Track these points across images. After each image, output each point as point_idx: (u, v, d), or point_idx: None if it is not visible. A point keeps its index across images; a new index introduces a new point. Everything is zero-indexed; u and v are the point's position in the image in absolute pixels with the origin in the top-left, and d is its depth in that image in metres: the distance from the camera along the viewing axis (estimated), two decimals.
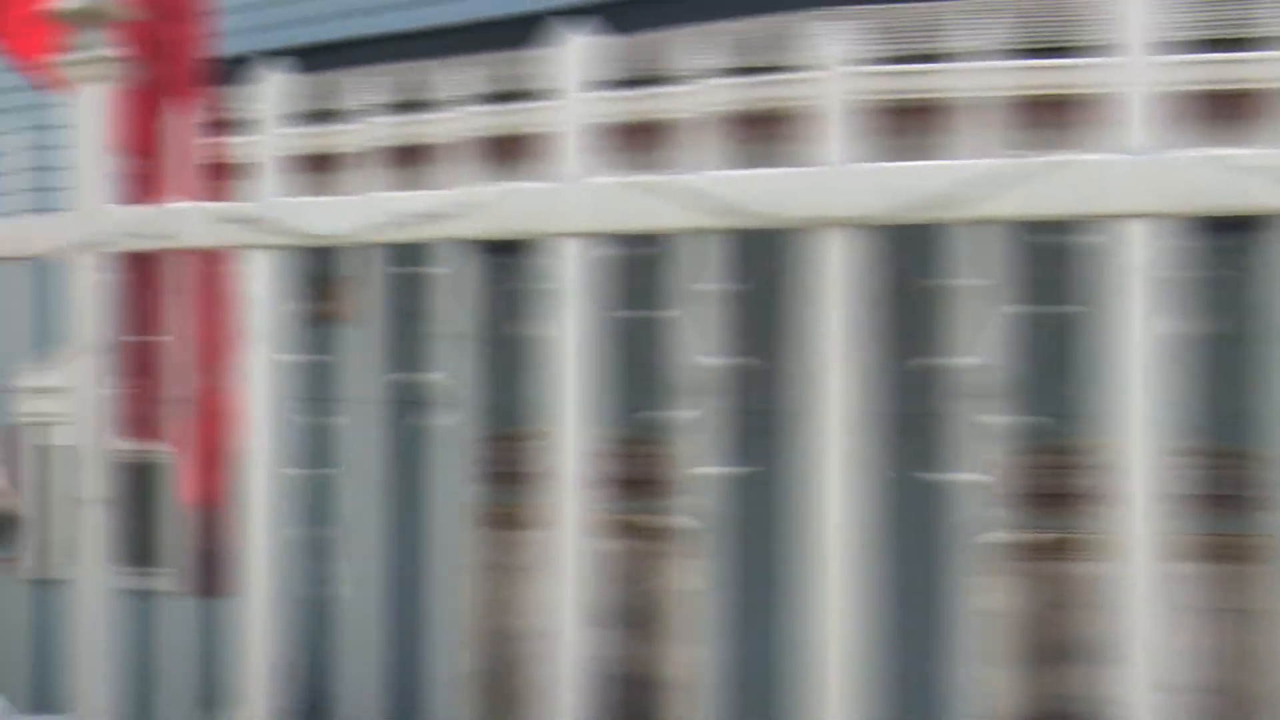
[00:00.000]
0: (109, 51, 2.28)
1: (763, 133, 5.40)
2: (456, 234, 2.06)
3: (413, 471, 7.22)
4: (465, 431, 2.17)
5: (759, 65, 5.31)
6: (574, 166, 2.00)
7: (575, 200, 1.95)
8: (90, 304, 2.30)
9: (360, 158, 2.23)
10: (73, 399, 2.31)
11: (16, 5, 3.09)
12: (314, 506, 2.29)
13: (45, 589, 7.32)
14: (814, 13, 5.67)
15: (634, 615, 6.82)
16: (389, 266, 2.15)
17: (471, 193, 2.05)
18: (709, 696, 2.02)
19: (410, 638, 5.74)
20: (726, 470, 1.90)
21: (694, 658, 2.09)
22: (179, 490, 2.64)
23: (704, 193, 1.84)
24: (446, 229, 2.03)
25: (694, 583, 2.11)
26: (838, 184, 1.76)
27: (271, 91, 2.21)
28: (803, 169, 1.83)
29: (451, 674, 2.16)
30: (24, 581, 2.39)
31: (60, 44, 2.32)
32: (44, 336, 2.51)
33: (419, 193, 2.06)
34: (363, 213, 2.08)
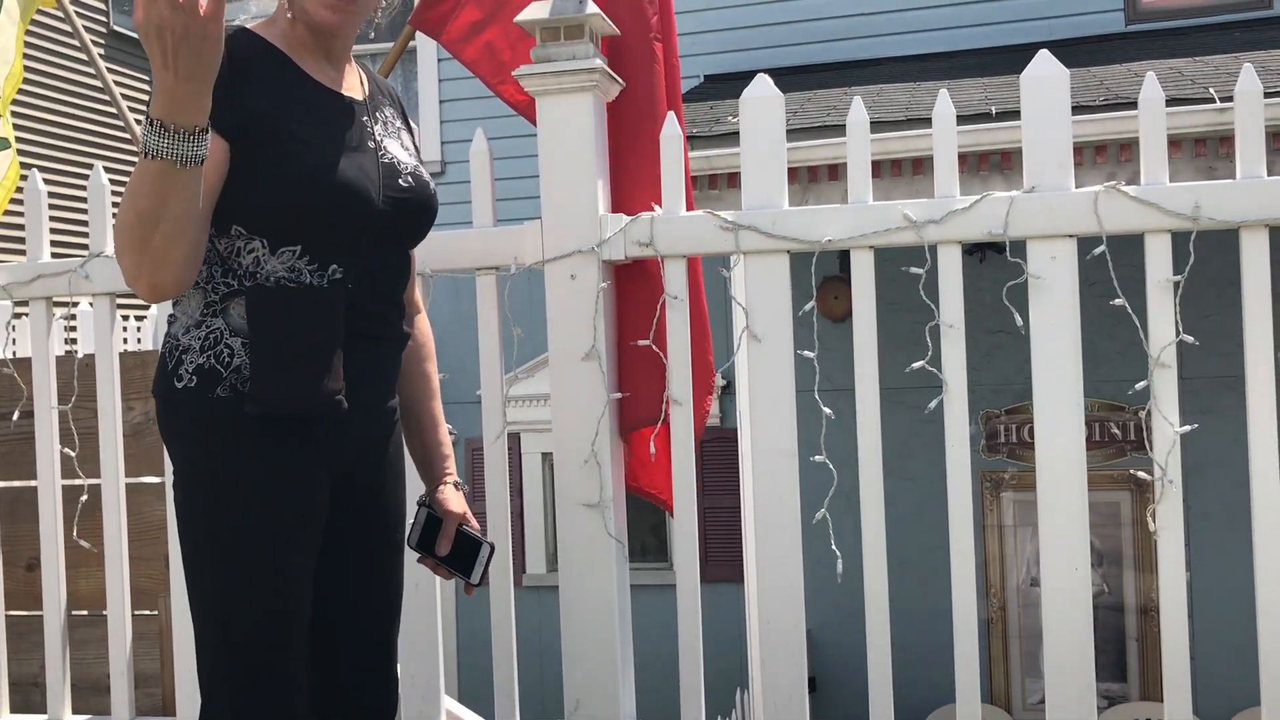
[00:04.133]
0: (591, 63, 2.30)
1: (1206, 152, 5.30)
2: (938, 238, 2.23)
3: (913, 450, 7.34)
4: (962, 410, 2.17)
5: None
6: (1042, 178, 2.09)
7: (1037, 207, 2.17)
8: (578, 311, 2.34)
9: (843, 169, 2.29)
10: (559, 405, 2.35)
11: (462, 13, 3.15)
12: (814, 490, 2.35)
13: (528, 596, 8.02)
14: None
15: (1118, 555, 7.44)
16: (881, 266, 2.21)
17: (951, 201, 2.22)
18: (1184, 620, 2.15)
19: (920, 600, 5.88)
20: (1187, 427, 2.13)
21: (1171, 588, 2.15)
22: (647, 485, 2.63)
23: (1155, 200, 2.12)
24: (930, 234, 2.13)
25: (1168, 522, 2.16)
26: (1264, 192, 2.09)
27: (765, 107, 2.28)
28: (1236, 180, 2.12)
29: (968, 623, 2.23)
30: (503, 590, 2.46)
31: (531, 54, 2.33)
32: (508, 345, 2.51)
33: (906, 201, 2.18)
34: (859, 219, 2.18)
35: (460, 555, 1.95)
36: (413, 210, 1.79)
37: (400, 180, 1.77)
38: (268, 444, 1.64)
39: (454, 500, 1.96)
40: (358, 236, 1.70)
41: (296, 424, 1.65)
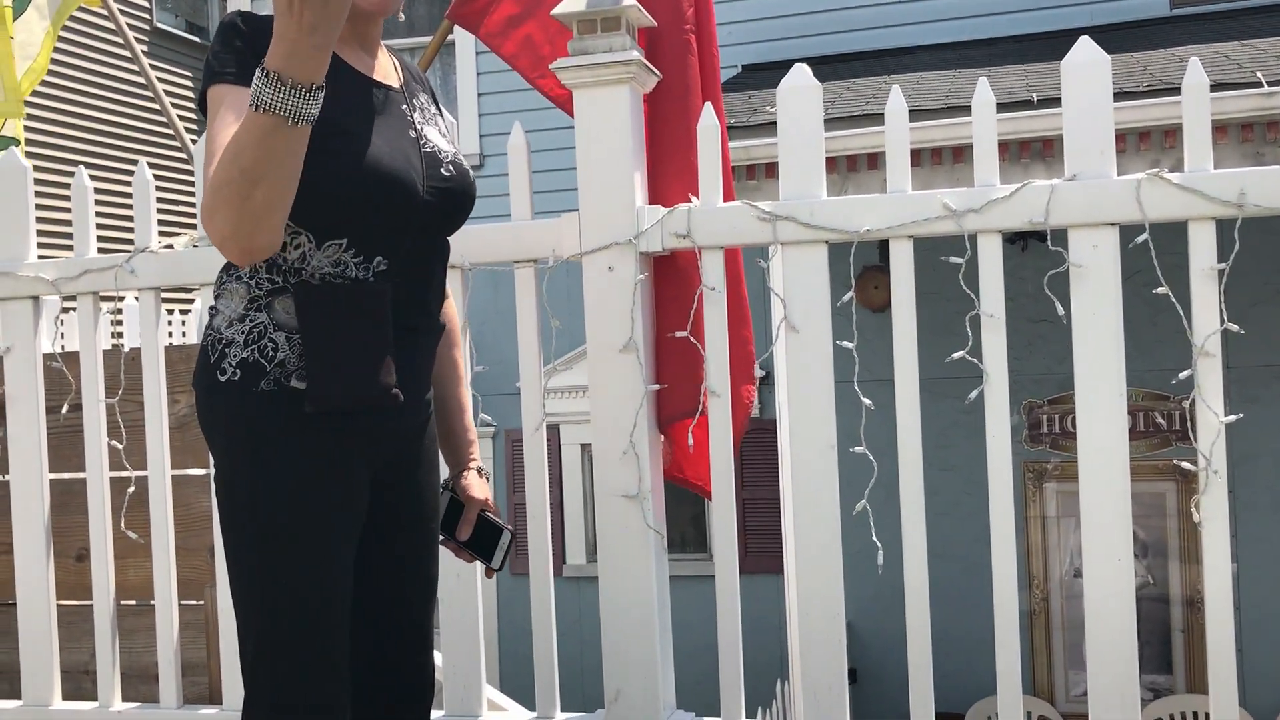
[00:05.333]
0: (628, 55, 2.29)
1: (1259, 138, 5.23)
2: (978, 227, 2.22)
3: (954, 440, 7.33)
4: (1003, 400, 2.16)
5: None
6: (1083, 166, 2.08)
7: (1078, 195, 2.14)
8: (616, 303, 2.34)
9: (882, 158, 2.27)
10: (597, 397, 2.35)
11: (499, 7, 3.15)
12: (854, 481, 2.34)
13: (567, 586, 8.05)
14: None
15: (1163, 546, 7.45)
16: (920, 255, 2.19)
17: (991, 190, 2.21)
18: (1230, 611, 2.12)
19: (961, 591, 5.89)
20: (1232, 417, 2.11)
21: (1216, 579, 2.12)
22: (692, 475, 2.65)
23: (1199, 187, 2.09)
24: (970, 223, 2.13)
25: (1213, 513, 2.12)
26: None
27: (803, 97, 2.27)
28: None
29: (1009, 614, 2.21)
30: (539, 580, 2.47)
31: (568, 46, 2.32)
32: (546, 337, 2.53)
33: (945, 190, 2.18)
34: (898, 208, 2.17)
35: (481, 540, 1.97)
36: (455, 199, 1.78)
37: (443, 169, 1.75)
38: (310, 437, 1.65)
39: (477, 486, 1.97)
40: (403, 228, 1.70)
41: (339, 417, 1.66)
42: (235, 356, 1.66)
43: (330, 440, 1.66)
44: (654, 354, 2.42)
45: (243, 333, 1.67)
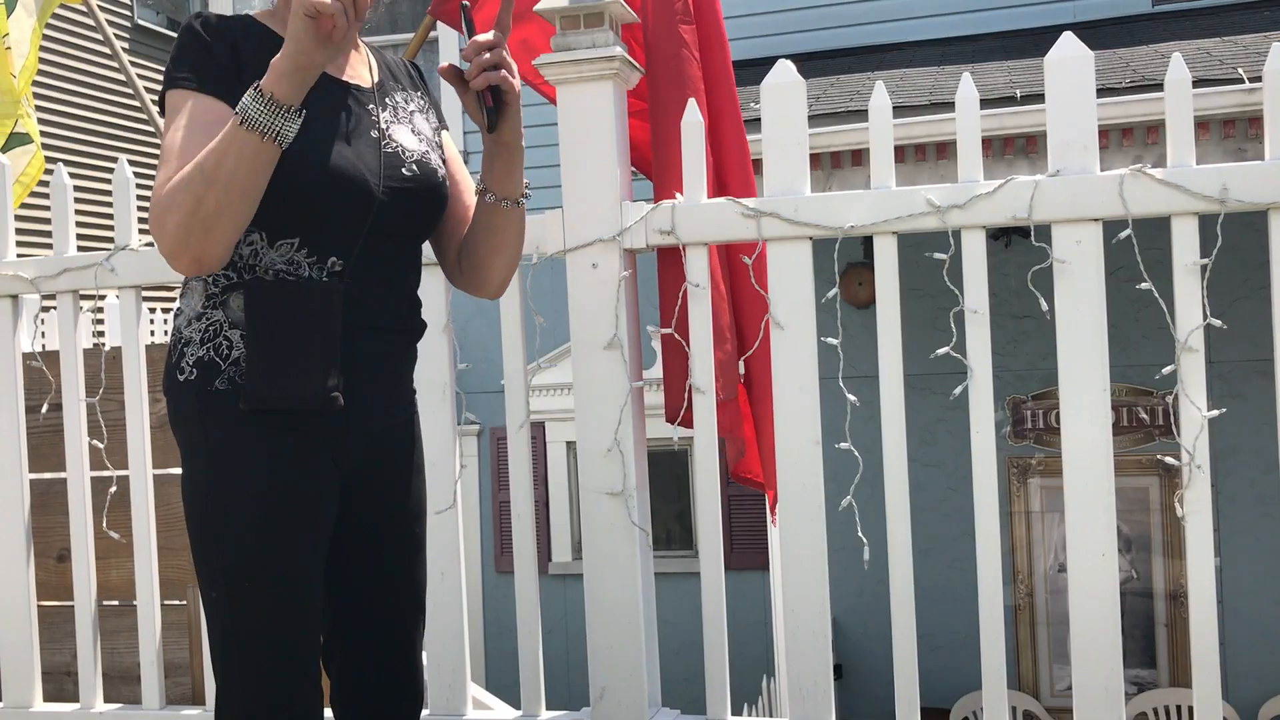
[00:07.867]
0: (611, 51, 2.29)
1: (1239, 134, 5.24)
2: (962, 222, 2.21)
3: (939, 436, 7.33)
4: (987, 396, 2.16)
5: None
6: (1066, 162, 2.08)
7: (1061, 191, 2.15)
8: (600, 300, 2.33)
9: (867, 154, 2.27)
10: (582, 394, 2.34)
11: (486, 5, 3.14)
12: (839, 477, 2.34)
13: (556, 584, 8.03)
14: None
15: (1146, 540, 7.41)
16: (904, 251, 2.20)
17: (975, 186, 2.21)
18: (1213, 606, 2.13)
19: (946, 587, 5.86)
20: (1215, 412, 2.11)
21: (1200, 574, 2.12)
22: (748, 471, 2.68)
23: (1181, 183, 2.10)
24: (953, 219, 2.13)
25: (1196, 507, 2.14)
26: None
27: (787, 94, 2.27)
28: (1264, 162, 2.09)
29: (994, 609, 2.21)
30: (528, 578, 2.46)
31: (551, 42, 2.32)
32: (530, 334, 2.52)
33: (929, 186, 2.18)
34: (882, 204, 2.17)
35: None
36: (418, 199, 1.73)
37: (404, 169, 1.72)
38: (267, 436, 1.63)
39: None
40: (356, 228, 1.66)
41: (296, 417, 1.64)
42: (193, 355, 1.65)
43: (289, 440, 1.64)
44: (639, 351, 2.41)
45: (200, 331, 1.66)
